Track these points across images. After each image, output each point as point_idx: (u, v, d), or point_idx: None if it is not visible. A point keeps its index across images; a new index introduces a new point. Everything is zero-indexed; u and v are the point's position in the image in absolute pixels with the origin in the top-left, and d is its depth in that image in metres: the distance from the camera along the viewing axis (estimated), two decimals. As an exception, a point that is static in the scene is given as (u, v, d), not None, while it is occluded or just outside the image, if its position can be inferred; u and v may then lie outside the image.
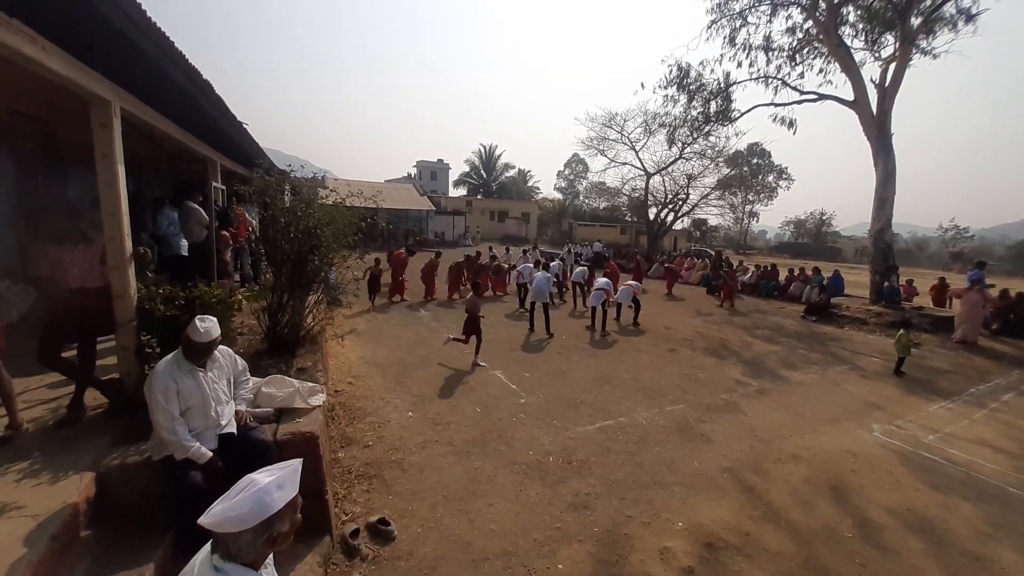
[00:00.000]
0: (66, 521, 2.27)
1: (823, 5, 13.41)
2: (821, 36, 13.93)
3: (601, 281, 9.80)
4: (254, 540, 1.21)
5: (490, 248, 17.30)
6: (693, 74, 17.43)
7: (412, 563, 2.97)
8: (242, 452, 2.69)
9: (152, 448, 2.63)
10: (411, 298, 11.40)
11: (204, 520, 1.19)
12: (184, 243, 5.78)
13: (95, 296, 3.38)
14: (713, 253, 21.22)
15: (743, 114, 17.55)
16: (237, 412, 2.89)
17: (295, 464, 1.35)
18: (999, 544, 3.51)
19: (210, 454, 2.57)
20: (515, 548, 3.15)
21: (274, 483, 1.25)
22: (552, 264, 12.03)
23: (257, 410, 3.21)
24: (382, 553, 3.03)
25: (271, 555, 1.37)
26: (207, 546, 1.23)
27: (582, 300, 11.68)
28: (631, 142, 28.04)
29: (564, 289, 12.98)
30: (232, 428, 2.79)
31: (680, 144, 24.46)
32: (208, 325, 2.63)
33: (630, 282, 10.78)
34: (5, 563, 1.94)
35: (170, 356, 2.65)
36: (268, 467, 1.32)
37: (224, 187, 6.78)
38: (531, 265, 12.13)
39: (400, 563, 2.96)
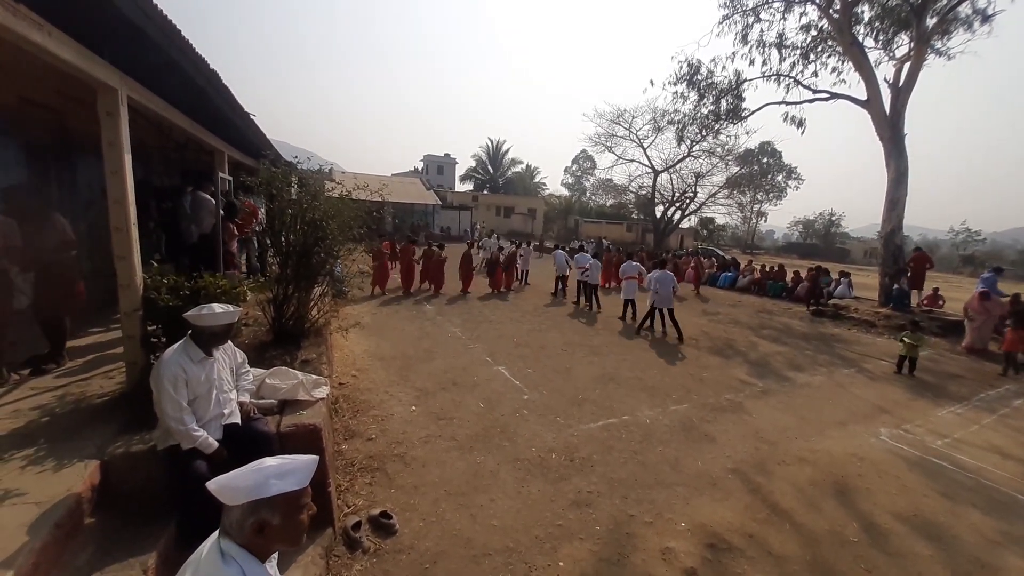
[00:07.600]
0: (70, 509, 2.27)
1: (838, 3, 13.21)
2: (835, 34, 13.74)
3: (631, 267, 10.36)
4: (242, 520, 1.18)
5: (498, 238, 17.11)
6: (704, 71, 17.25)
7: (413, 557, 2.97)
8: (244, 444, 2.68)
9: (158, 437, 2.63)
10: (416, 292, 11.40)
11: (210, 484, 1.20)
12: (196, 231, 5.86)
13: None
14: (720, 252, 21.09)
15: (753, 112, 17.34)
16: (242, 403, 2.89)
17: (308, 459, 1.30)
18: (1007, 551, 3.46)
19: (216, 444, 2.57)
20: (516, 544, 3.14)
21: (276, 468, 1.23)
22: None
23: (261, 401, 3.21)
24: (384, 546, 3.03)
25: (275, 554, 1.33)
26: (217, 531, 1.23)
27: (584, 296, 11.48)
28: (639, 139, 27.84)
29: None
30: (236, 419, 2.79)
31: (689, 142, 24.27)
32: (227, 306, 2.70)
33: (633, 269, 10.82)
34: (8, 549, 1.95)
35: (177, 345, 2.63)
36: (285, 455, 1.30)
37: (231, 178, 6.80)
38: (587, 256, 11.72)
39: (401, 557, 2.96)
